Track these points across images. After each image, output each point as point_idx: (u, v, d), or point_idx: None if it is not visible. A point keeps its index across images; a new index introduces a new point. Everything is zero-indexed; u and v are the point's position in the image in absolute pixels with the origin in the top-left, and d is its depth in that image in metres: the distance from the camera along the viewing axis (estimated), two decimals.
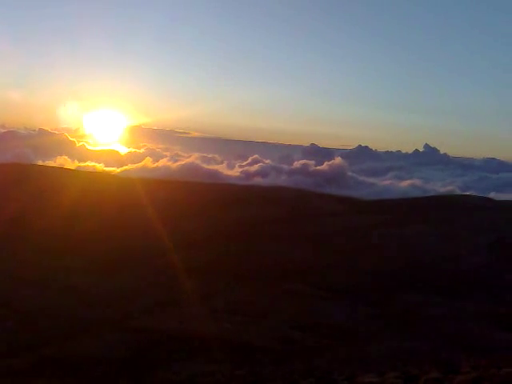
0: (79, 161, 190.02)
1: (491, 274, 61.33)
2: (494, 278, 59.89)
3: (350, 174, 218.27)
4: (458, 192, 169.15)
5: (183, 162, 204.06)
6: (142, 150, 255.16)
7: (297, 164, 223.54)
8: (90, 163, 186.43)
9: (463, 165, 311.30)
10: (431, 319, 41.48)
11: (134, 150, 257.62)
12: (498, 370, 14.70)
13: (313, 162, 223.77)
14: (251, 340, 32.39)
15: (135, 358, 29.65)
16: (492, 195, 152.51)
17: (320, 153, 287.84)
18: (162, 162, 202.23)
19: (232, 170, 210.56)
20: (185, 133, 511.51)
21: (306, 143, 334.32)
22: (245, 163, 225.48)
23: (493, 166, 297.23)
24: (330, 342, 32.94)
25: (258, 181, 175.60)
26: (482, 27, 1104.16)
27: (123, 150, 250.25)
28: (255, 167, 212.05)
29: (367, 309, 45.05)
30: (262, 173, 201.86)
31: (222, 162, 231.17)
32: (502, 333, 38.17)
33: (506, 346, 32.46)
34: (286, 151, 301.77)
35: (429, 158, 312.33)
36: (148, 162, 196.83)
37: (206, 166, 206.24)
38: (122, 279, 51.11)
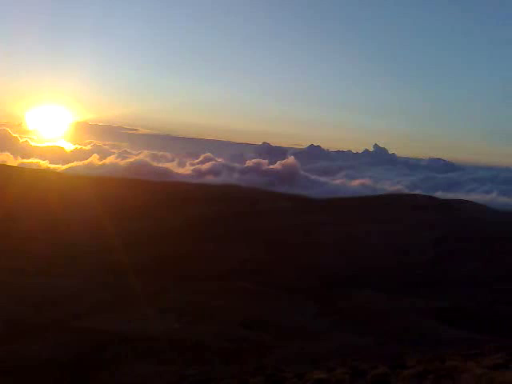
0: (22, 157, 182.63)
1: (436, 270, 63.69)
2: (439, 274, 62.24)
3: (302, 173, 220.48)
4: (406, 191, 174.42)
5: (132, 160, 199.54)
6: (88, 147, 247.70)
7: (249, 163, 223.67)
8: (33, 160, 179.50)
9: (410, 165, 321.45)
10: (379, 315, 42.43)
11: (79, 146, 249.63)
12: (442, 363, 15.14)
13: (266, 161, 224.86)
14: (201, 339, 32.03)
15: (80, 359, 28.70)
16: (438, 194, 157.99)
17: (272, 152, 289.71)
18: (110, 160, 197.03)
19: (183, 168, 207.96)
20: (133, 129, 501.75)
21: (258, 142, 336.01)
22: (196, 161, 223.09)
23: (438, 166, 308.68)
24: (279, 339, 33.04)
25: (210, 179, 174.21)
26: (427, 29, 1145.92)
27: (69, 147, 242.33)
28: (207, 165, 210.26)
29: (315, 306, 45.60)
30: (214, 171, 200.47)
31: (172, 160, 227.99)
32: (446, 327, 39.54)
33: (450, 339, 33.61)
34: (238, 149, 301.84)
35: (378, 157, 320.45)
36: (95, 159, 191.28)
37: (155, 163, 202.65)
38: (68, 279, 49.55)
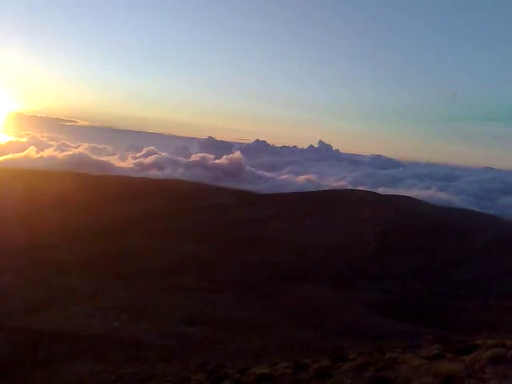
0: None
1: (377, 264, 65.65)
2: (379, 268, 64.20)
3: (248, 168, 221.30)
4: (350, 187, 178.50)
5: (71, 153, 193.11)
6: (24, 139, 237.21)
7: (194, 157, 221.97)
8: None
9: (354, 161, 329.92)
10: (322, 309, 43.26)
11: (15, 138, 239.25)
12: (382, 355, 15.53)
13: (211, 156, 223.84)
14: (140, 337, 31.44)
15: (13, 360, 27.47)
16: (380, 190, 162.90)
17: (218, 146, 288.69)
18: (48, 152, 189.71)
19: (125, 162, 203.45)
20: (72, 121, 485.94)
21: (203, 136, 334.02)
22: (139, 155, 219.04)
23: (380, 162, 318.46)
24: (222, 335, 32.97)
25: (154, 173, 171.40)
26: (368, 25, 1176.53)
27: (4, 139, 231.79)
28: (150, 159, 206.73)
29: (260, 301, 45.89)
30: (158, 165, 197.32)
31: (113, 153, 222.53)
32: (386, 319, 40.83)
33: (389, 331, 34.72)
34: (182, 143, 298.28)
35: (323, 153, 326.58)
36: (32, 151, 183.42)
37: (96, 157, 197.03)
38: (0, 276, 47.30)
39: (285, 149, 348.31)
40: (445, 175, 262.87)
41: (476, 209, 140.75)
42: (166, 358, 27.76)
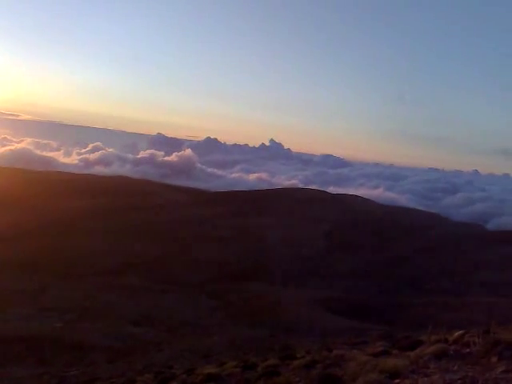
0: None
1: (326, 262, 66.83)
2: (328, 265, 65.37)
3: (198, 165, 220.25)
4: (301, 185, 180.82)
5: (13, 147, 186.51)
6: None
7: (143, 153, 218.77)
8: None
9: (304, 160, 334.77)
10: (271, 307, 43.50)
11: None
12: (329, 352, 15.76)
13: (161, 153, 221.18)
14: (84, 338, 30.52)
15: None
16: (330, 189, 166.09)
17: (167, 143, 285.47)
18: None
19: (69, 158, 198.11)
20: (14, 115, 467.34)
21: (152, 132, 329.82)
22: (84, 150, 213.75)
23: (330, 162, 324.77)
24: (170, 335, 32.55)
25: (100, 170, 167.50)
26: (314, 27, 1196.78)
27: None
28: (96, 155, 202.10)
29: (209, 300, 45.72)
30: (105, 161, 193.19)
31: (57, 149, 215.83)
32: (333, 317, 41.57)
33: (336, 329, 35.34)
34: (130, 139, 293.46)
35: (274, 152, 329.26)
36: None
37: (39, 152, 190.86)
38: None
39: (236, 147, 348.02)
40: (392, 175, 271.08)
41: (421, 208, 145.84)
42: (110, 359, 27.10)
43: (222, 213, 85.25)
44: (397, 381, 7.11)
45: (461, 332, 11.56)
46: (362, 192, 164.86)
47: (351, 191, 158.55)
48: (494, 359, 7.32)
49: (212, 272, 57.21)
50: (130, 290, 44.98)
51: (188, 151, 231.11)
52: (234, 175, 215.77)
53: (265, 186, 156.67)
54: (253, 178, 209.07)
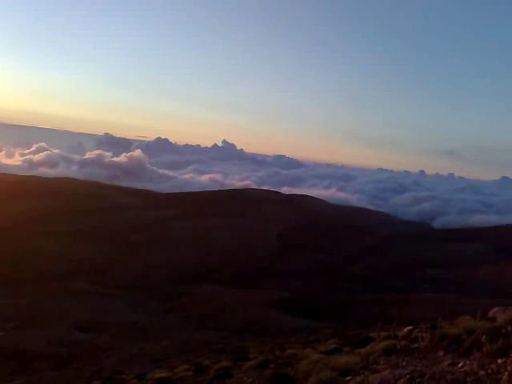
0: None
1: (279, 262, 67.32)
2: (281, 266, 65.89)
3: (149, 166, 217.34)
4: (254, 186, 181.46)
5: None
6: None
7: (90, 154, 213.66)
8: None
9: (257, 161, 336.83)
10: (223, 309, 43.36)
11: None
12: (282, 352, 15.89)
13: (109, 153, 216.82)
14: (28, 346, 29.37)
15: None
16: (284, 189, 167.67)
17: (116, 143, 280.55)
18: None
19: (11, 159, 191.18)
20: None
21: (99, 132, 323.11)
22: (28, 151, 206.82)
23: (283, 162, 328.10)
24: (119, 340, 31.84)
25: (45, 171, 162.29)
26: (268, 27, 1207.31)
27: None
28: (40, 156, 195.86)
29: (159, 304, 45.15)
30: (50, 162, 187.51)
31: None
32: (287, 316, 41.87)
33: (289, 328, 35.65)
34: (76, 140, 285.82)
35: (226, 152, 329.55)
36: None
37: None
38: None
39: (187, 147, 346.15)
40: (343, 175, 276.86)
41: (371, 207, 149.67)
42: (56, 366, 26.24)
43: (174, 215, 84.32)
44: (348, 378, 7.19)
45: (409, 328, 11.90)
46: (315, 192, 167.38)
47: (304, 191, 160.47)
48: (441, 353, 7.55)
49: (163, 275, 56.50)
50: (78, 295, 43.73)
51: (137, 152, 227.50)
52: (185, 176, 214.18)
53: (218, 187, 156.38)
54: (205, 179, 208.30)
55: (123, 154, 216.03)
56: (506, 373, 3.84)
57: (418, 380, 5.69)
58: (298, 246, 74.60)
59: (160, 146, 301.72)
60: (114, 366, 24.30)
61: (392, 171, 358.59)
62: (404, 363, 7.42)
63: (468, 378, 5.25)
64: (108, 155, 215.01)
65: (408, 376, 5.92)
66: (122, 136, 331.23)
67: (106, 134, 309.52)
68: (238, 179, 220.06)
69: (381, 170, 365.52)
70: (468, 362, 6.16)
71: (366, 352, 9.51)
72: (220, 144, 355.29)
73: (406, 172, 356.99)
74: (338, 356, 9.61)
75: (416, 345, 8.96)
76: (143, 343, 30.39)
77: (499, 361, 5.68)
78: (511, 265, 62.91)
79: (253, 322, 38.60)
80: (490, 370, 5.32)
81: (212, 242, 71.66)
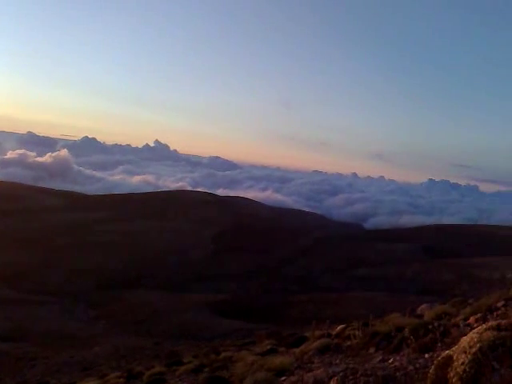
0: None
1: (214, 265, 67.20)
2: (215, 269, 65.81)
3: (75, 167, 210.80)
4: (189, 188, 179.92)
5: None
6: None
7: (12, 154, 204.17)
8: None
9: (192, 162, 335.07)
10: (156, 314, 42.77)
11: None
12: (217, 355, 15.90)
13: (32, 153, 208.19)
14: None
15: None
16: (220, 191, 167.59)
17: (39, 142, 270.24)
18: None
19: None
20: None
21: (21, 131, 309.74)
22: None
23: (218, 164, 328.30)
24: (45, 349, 30.54)
25: None
26: (205, 28, 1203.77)
27: None
28: None
29: (89, 310, 43.93)
30: None
31: None
32: (222, 319, 41.91)
33: (225, 331, 35.75)
34: None
35: (159, 153, 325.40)
36: None
37: None
38: None
39: (117, 147, 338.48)
40: (279, 177, 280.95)
41: (307, 209, 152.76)
42: None
43: (103, 218, 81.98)
44: (283, 378, 7.31)
45: (342, 326, 12.30)
46: (251, 194, 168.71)
47: (240, 193, 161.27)
48: (372, 350, 7.85)
49: (92, 280, 54.84)
50: (0, 303, 41.55)
51: (63, 151, 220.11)
52: (115, 177, 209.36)
53: (150, 189, 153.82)
54: (137, 180, 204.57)
55: (48, 154, 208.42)
56: (433, 366, 4.07)
57: (350, 377, 5.87)
58: (234, 248, 74.77)
59: (87, 146, 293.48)
60: (40, 376, 23.31)
61: (326, 173, 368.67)
62: (337, 361, 7.65)
63: (398, 374, 5.48)
64: (31, 155, 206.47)
65: (341, 374, 6.10)
66: (47, 135, 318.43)
67: (29, 132, 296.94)
68: (172, 181, 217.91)
69: (316, 172, 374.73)
70: (398, 358, 6.45)
71: (301, 351, 9.72)
72: (152, 144, 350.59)
73: (340, 174, 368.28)
74: (274, 357, 9.76)
75: (349, 343, 9.27)
76: (71, 351, 29.33)
77: (426, 355, 5.99)
78: (438, 263, 66.23)
79: (187, 326, 38.32)
80: (417, 365, 5.59)
81: (143, 245, 70.36)
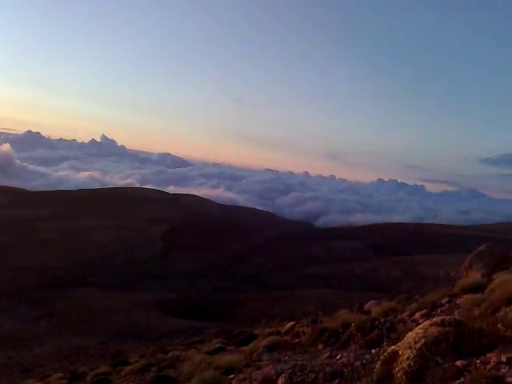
0: None
1: (163, 263, 66.56)
2: (164, 267, 65.22)
3: (18, 162, 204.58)
4: (137, 185, 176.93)
5: None
6: None
7: None
8: None
9: (140, 158, 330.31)
10: (102, 313, 41.99)
11: None
12: (165, 354, 15.72)
13: None
14: None
15: None
16: (170, 189, 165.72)
17: None
18: None
19: None
20: None
21: None
22: None
23: (168, 160, 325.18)
24: None
25: None
26: (158, 25, 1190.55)
27: None
28: None
29: (31, 310, 42.71)
30: None
31: None
32: (171, 318, 41.60)
33: (173, 330, 35.48)
34: None
35: (106, 149, 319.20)
36: None
37: None
38: None
39: (62, 142, 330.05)
40: (231, 175, 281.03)
41: (258, 207, 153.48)
42: None
43: (47, 215, 79.60)
44: (231, 376, 7.29)
45: (291, 323, 12.38)
46: (202, 192, 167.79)
47: (191, 191, 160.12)
48: (321, 346, 7.93)
49: (35, 279, 53.23)
50: None
51: (5, 146, 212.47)
52: (60, 173, 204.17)
53: (97, 186, 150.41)
54: (83, 177, 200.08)
55: None
56: (379, 362, 4.14)
57: (299, 374, 5.89)
58: (184, 246, 74.27)
59: (31, 140, 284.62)
60: None
61: (278, 172, 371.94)
62: (286, 358, 7.68)
63: (345, 369, 5.54)
64: None
65: (289, 370, 6.11)
66: None
67: None
68: (119, 177, 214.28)
69: (268, 170, 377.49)
70: (345, 354, 6.52)
71: (250, 349, 9.71)
72: (99, 139, 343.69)
73: (292, 173, 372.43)
74: (222, 355, 9.72)
75: (298, 340, 9.33)
76: (11, 352, 28.39)
77: (373, 351, 6.09)
78: (385, 260, 68.20)
79: (134, 326, 37.83)
80: (364, 361, 5.66)
81: (89, 243, 68.82)
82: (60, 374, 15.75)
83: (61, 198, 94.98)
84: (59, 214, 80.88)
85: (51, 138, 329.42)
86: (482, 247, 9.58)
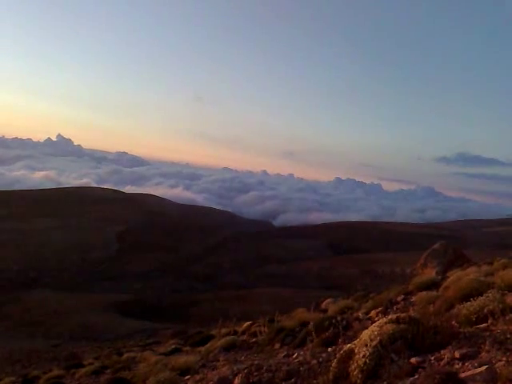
0: None
1: (119, 264, 65.45)
2: (120, 268, 64.18)
3: None
4: (94, 184, 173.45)
5: None
6: None
7: None
8: None
9: (97, 157, 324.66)
10: (55, 315, 41.03)
11: None
12: (120, 356, 15.42)
13: None
14: None
15: None
16: (127, 188, 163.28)
17: None
18: None
19: None
20: None
21: None
22: None
23: (125, 160, 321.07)
24: None
25: None
26: (116, 23, 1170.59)
27: None
28: None
29: None
30: None
31: None
32: (126, 319, 40.92)
33: (128, 331, 34.94)
34: None
35: (62, 148, 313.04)
36: None
37: None
38: None
39: (17, 141, 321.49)
40: (189, 174, 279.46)
41: (217, 207, 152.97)
42: None
43: (1, 215, 77.22)
44: (187, 377, 7.16)
45: (249, 323, 12.33)
46: (160, 191, 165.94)
47: (149, 190, 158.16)
48: (278, 345, 7.87)
49: None
50: None
51: None
52: (15, 173, 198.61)
53: (52, 185, 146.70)
54: (38, 177, 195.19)
55: None
56: (335, 360, 4.10)
57: (255, 373, 5.81)
58: (140, 246, 73.22)
59: None
60: None
61: (237, 171, 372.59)
62: (242, 358, 7.60)
63: (302, 368, 5.49)
64: None
65: (246, 370, 6.03)
66: None
67: None
68: (75, 177, 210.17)
69: (226, 169, 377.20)
70: (302, 353, 6.48)
71: (206, 350, 9.60)
72: (54, 138, 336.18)
73: (250, 172, 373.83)
74: (178, 356, 9.57)
75: (255, 339, 9.27)
76: None
77: (329, 349, 6.06)
78: (342, 259, 69.22)
79: (88, 327, 37.04)
80: (321, 359, 5.63)
81: (43, 244, 66.92)
82: (12, 378, 15.25)
83: (14, 198, 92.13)
84: (12, 214, 78.47)
85: (5, 137, 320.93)
86: (436, 245, 9.77)
